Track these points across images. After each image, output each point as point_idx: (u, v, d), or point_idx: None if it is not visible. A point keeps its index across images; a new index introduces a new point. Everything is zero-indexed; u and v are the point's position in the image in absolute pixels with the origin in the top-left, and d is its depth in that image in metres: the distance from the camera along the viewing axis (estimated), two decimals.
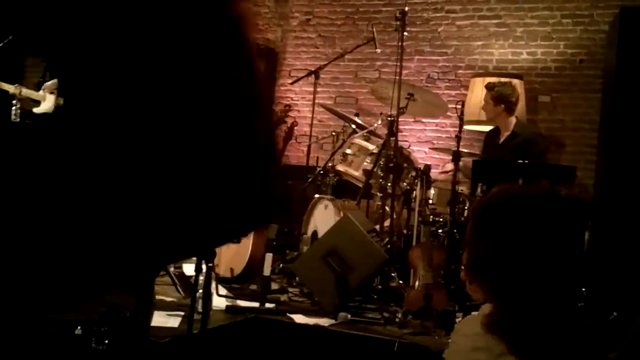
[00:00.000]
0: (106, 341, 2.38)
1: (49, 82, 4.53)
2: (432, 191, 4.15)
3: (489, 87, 4.51)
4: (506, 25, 5.79)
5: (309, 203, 4.62)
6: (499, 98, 4.38)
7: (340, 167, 4.53)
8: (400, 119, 4.28)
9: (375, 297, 3.63)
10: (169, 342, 2.59)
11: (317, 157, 5.74)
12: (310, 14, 6.84)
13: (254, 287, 3.71)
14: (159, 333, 2.63)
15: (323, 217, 4.47)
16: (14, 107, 5.53)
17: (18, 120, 5.57)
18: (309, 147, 4.87)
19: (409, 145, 5.88)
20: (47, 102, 5.21)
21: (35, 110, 5.30)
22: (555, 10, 5.59)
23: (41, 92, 5.22)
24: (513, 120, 4.45)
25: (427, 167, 4.13)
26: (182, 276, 3.09)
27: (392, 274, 3.75)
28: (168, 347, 2.56)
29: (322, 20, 6.78)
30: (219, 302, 3.27)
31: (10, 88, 5.28)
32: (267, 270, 3.47)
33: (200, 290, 2.61)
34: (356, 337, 3.00)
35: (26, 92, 5.31)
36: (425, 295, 3.27)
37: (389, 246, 3.88)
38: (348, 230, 3.49)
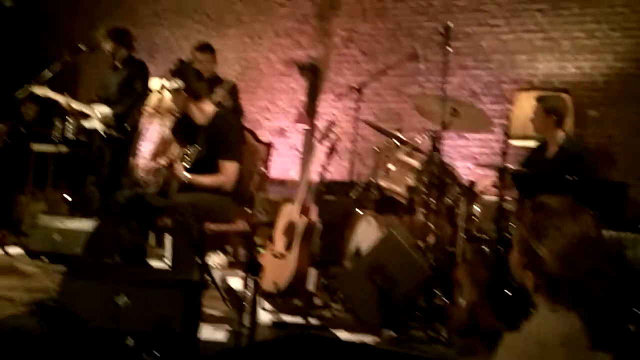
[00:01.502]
0: (156, 353, 2.41)
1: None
2: (476, 207, 4.11)
3: (540, 98, 4.46)
4: (552, 38, 5.73)
5: (352, 218, 4.62)
6: (550, 110, 4.32)
7: (383, 183, 4.52)
8: (444, 135, 4.25)
9: (419, 315, 3.59)
10: (217, 355, 2.61)
11: (360, 173, 5.74)
12: (353, 31, 6.87)
13: (297, 302, 3.72)
14: (206, 346, 2.66)
15: (366, 233, 4.46)
16: (68, 123, 5.69)
17: (74, 138, 5.73)
18: (351, 162, 4.88)
19: (453, 161, 5.84)
20: (97, 116, 5.34)
21: (85, 124, 5.44)
22: (603, 23, 5.51)
23: (92, 105, 5.35)
24: (562, 134, 4.39)
25: (472, 183, 4.10)
26: (229, 290, 3.12)
27: (436, 292, 3.72)
28: None
29: (364, 36, 6.81)
30: (265, 316, 3.29)
31: (60, 99, 5.44)
32: (310, 286, 3.48)
33: (247, 304, 2.62)
34: (401, 355, 2.98)
35: (76, 104, 5.46)
36: (471, 314, 3.23)
37: (433, 263, 3.85)
38: (391, 246, 3.48)
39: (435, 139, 4.10)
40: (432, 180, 4.07)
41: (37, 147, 5.99)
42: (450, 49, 4.20)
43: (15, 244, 5.08)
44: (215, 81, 5.39)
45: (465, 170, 5.83)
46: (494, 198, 3.93)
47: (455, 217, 4.10)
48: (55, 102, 5.46)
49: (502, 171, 3.81)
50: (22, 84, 5.14)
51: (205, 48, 5.50)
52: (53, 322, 2.59)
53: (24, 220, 5.68)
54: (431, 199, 4.09)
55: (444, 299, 3.67)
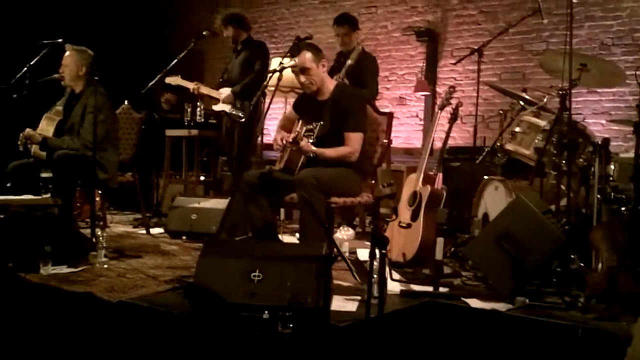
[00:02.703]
0: (290, 325, 2.51)
1: None
2: (612, 166, 3.89)
3: None
4: None
5: (478, 185, 4.53)
6: None
7: (509, 146, 4.39)
8: (572, 92, 4.05)
9: (555, 280, 3.48)
10: (349, 326, 2.67)
11: (484, 137, 5.60)
12: None
13: (426, 271, 3.72)
14: (338, 317, 2.73)
15: (494, 199, 4.36)
16: (198, 108, 5.99)
17: (202, 120, 6.02)
18: (475, 127, 4.76)
19: (584, 119, 5.57)
20: (223, 99, 5.56)
21: (214, 107, 5.68)
22: None
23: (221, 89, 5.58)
24: None
25: (606, 141, 3.87)
26: (357, 262, 3.18)
27: (572, 257, 3.58)
28: (348, 331, 2.65)
29: None
30: (394, 286, 3.32)
31: (190, 85, 5.71)
32: (439, 255, 3.46)
33: (376, 276, 2.66)
34: (536, 322, 2.91)
35: (204, 89, 5.71)
36: (610, 278, 3.09)
37: (566, 227, 3.69)
38: (521, 211, 3.38)
39: (564, 97, 3.91)
40: (562, 140, 3.90)
41: (171, 132, 6.33)
42: (576, 0, 3.98)
43: (157, 225, 5.44)
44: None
45: (597, 127, 5.53)
46: (630, 155, 3.71)
47: (588, 177, 3.91)
48: (186, 89, 5.73)
49: (638, 126, 3.58)
50: (154, 74, 5.45)
51: (342, 20, 5.46)
52: (195, 298, 2.76)
53: (163, 202, 6.05)
54: (562, 160, 3.93)
55: (580, 263, 3.53)
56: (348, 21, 5.46)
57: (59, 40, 4.71)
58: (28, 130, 4.54)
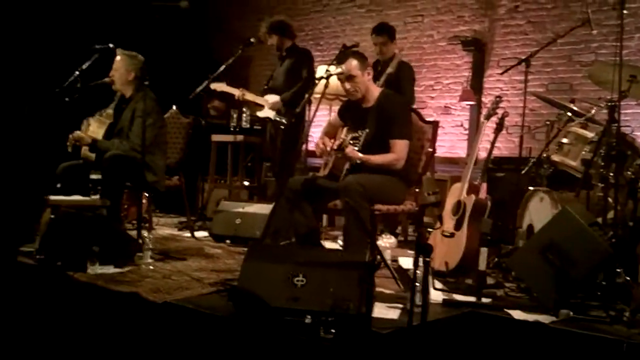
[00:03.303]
0: (333, 330, 2.53)
1: None
2: None
3: None
4: None
5: (523, 196, 4.48)
6: None
7: (556, 157, 4.34)
8: (622, 103, 3.98)
9: (599, 294, 3.42)
10: (390, 333, 2.68)
11: (530, 148, 5.54)
12: (518, 1, 6.61)
13: (469, 281, 3.70)
14: (379, 324, 2.74)
15: (538, 210, 4.32)
16: (244, 114, 6.08)
17: (248, 125, 6.10)
18: (521, 137, 4.72)
19: (632, 131, 5.44)
20: (268, 105, 5.63)
21: (258, 114, 5.76)
22: None
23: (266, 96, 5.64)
24: None
25: None
26: (399, 269, 3.19)
27: (618, 270, 3.52)
28: (389, 338, 2.66)
29: (531, 5, 6.53)
30: (436, 295, 3.32)
31: (235, 91, 5.80)
32: (482, 265, 3.44)
33: (418, 284, 2.66)
34: (580, 335, 2.87)
35: (249, 96, 5.79)
36: None
37: (613, 240, 3.63)
38: (567, 223, 3.34)
39: (613, 108, 3.86)
40: (610, 152, 3.84)
41: (217, 137, 6.43)
42: (626, 12, 3.92)
43: (201, 228, 5.52)
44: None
45: None
46: None
47: (636, 190, 3.84)
48: (231, 95, 5.82)
49: None
50: (201, 81, 5.55)
51: (380, 30, 5.51)
52: (239, 301, 2.80)
53: (208, 206, 6.14)
54: (609, 172, 3.87)
55: (626, 277, 3.47)
56: (387, 31, 5.50)
57: (110, 45, 4.82)
58: (78, 133, 4.65)
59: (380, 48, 5.45)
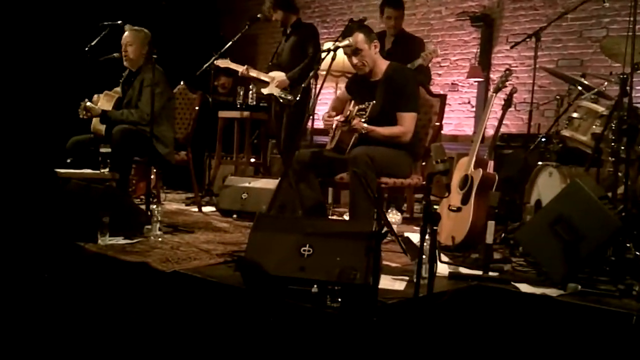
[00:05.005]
0: (339, 299, 2.53)
1: None
2: None
3: None
4: None
5: (531, 172, 4.45)
6: None
7: (565, 132, 4.30)
8: (634, 77, 3.94)
9: (608, 269, 3.40)
10: (396, 303, 2.68)
11: (539, 124, 5.51)
12: None
13: (475, 255, 3.68)
14: (386, 295, 2.73)
15: (547, 185, 4.29)
16: (250, 91, 6.06)
17: (254, 102, 6.09)
18: (530, 114, 4.68)
19: None
20: (273, 82, 5.59)
21: (264, 90, 5.72)
22: None
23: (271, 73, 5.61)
24: None
25: None
26: (406, 240, 3.17)
27: (627, 245, 3.50)
28: (395, 308, 2.65)
29: None
30: (442, 268, 3.30)
31: (239, 68, 5.76)
32: (489, 238, 3.42)
33: (425, 255, 2.65)
34: (589, 309, 2.85)
35: (254, 72, 5.75)
36: None
37: (623, 214, 3.61)
38: (577, 196, 3.31)
39: (625, 81, 3.81)
40: (621, 127, 3.80)
41: (223, 113, 6.41)
42: None
43: (209, 204, 5.53)
44: (402, 36, 5.37)
45: None
46: None
47: None
48: (236, 72, 5.78)
49: None
50: (208, 57, 5.54)
51: (394, 3, 5.45)
52: (245, 271, 2.80)
53: (215, 183, 6.14)
54: (620, 146, 3.83)
55: (636, 252, 3.45)
56: (403, 4, 5.44)
57: (119, 22, 4.84)
58: (89, 103, 4.68)
59: (395, 22, 5.38)
